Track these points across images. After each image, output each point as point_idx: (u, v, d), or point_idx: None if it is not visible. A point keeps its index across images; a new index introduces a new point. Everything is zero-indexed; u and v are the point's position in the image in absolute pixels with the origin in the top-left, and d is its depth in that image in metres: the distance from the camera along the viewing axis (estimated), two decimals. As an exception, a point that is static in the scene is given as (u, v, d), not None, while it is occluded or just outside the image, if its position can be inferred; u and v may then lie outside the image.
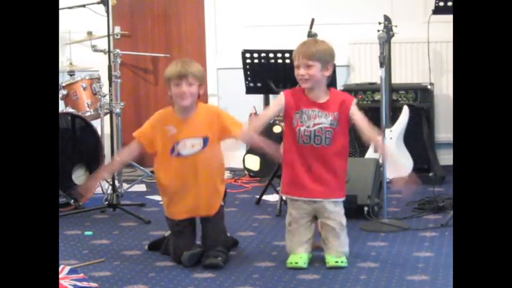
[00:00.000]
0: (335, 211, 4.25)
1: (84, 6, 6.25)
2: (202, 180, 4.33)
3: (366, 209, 5.15)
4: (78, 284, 3.92)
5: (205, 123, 4.34)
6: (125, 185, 6.29)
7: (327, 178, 4.23)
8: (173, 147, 4.31)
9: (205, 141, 4.32)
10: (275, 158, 4.48)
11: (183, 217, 4.38)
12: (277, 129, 6.66)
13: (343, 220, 4.27)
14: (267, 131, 6.69)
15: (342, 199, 4.30)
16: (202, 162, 4.31)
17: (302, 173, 4.23)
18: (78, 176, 5.79)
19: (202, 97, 4.53)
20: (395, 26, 6.20)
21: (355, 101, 4.29)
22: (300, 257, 4.21)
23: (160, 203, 4.51)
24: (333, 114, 4.19)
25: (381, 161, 5.20)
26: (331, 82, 4.46)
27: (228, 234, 4.58)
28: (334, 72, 4.41)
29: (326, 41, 4.34)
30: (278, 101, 4.32)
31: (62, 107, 6.11)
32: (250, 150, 6.78)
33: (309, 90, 4.23)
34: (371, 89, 6.64)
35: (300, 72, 4.19)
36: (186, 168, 4.33)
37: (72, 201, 5.61)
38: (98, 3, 5.93)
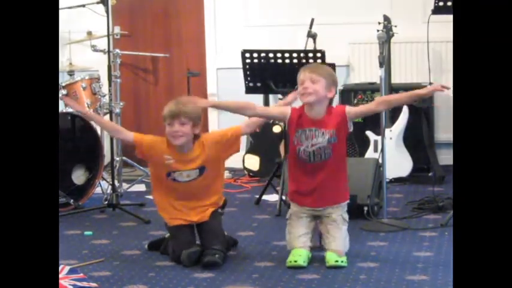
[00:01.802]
0: (336, 209, 4.33)
1: (83, 6, 6.25)
2: (196, 202, 4.44)
3: (365, 208, 5.15)
4: (78, 283, 3.92)
5: (203, 157, 4.38)
6: (125, 185, 6.29)
7: (330, 188, 4.31)
8: (169, 172, 4.39)
9: (202, 170, 4.39)
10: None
11: (177, 224, 4.43)
12: (277, 129, 6.66)
13: (345, 215, 4.33)
14: (267, 131, 6.72)
15: (345, 202, 4.38)
16: (197, 188, 4.42)
17: (305, 186, 4.31)
18: (78, 175, 5.79)
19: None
20: (395, 26, 6.21)
21: (347, 107, 4.30)
22: (299, 254, 4.22)
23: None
24: (329, 132, 4.22)
25: (380, 161, 5.20)
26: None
27: (226, 233, 4.60)
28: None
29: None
30: (284, 109, 4.36)
31: (61, 106, 6.11)
32: (250, 150, 6.79)
33: (309, 109, 4.25)
34: (371, 89, 6.64)
35: (304, 85, 4.20)
36: (181, 191, 4.43)
37: (71, 201, 5.61)
38: (98, 3, 5.93)
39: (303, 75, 4.24)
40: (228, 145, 4.45)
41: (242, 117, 5.00)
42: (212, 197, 4.48)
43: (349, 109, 4.29)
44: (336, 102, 4.35)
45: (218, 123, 7.14)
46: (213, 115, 7.21)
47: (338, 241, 4.26)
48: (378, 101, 4.43)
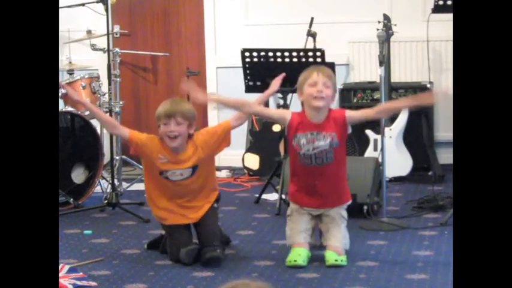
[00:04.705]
0: (335, 207, 4.35)
1: (83, 5, 6.24)
2: (188, 199, 4.43)
3: (365, 207, 5.15)
4: (78, 282, 3.92)
5: (196, 157, 4.38)
6: (124, 184, 6.29)
7: (332, 191, 4.33)
8: (162, 171, 4.39)
9: (194, 169, 4.39)
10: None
11: (168, 223, 4.44)
12: (276, 128, 6.66)
13: (344, 212, 4.35)
14: (266, 130, 6.71)
15: (347, 203, 4.40)
16: (190, 186, 4.41)
17: (307, 189, 4.32)
18: (77, 174, 5.78)
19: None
20: (395, 25, 6.20)
21: (347, 112, 4.31)
22: (299, 254, 4.22)
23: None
24: (330, 135, 4.22)
25: (380, 160, 5.19)
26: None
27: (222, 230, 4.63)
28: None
29: None
30: (284, 113, 4.37)
31: (61, 106, 6.10)
32: (250, 149, 6.78)
33: (313, 113, 4.24)
34: (370, 87, 6.64)
35: (319, 89, 4.18)
36: (174, 189, 4.42)
37: (71, 200, 5.61)
38: (97, 2, 5.93)
39: (316, 77, 4.20)
40: (218, 142, 4.45)
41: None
42: (206, 194, 4.47)
43: (349, 114, 4.30)
44: (335, 101, 4.35)
45: (218, 121, 7.14)
46: (212, 114, 7.22)
47: (337, 238, 4.27)
48: (379, 110, 4.50)
